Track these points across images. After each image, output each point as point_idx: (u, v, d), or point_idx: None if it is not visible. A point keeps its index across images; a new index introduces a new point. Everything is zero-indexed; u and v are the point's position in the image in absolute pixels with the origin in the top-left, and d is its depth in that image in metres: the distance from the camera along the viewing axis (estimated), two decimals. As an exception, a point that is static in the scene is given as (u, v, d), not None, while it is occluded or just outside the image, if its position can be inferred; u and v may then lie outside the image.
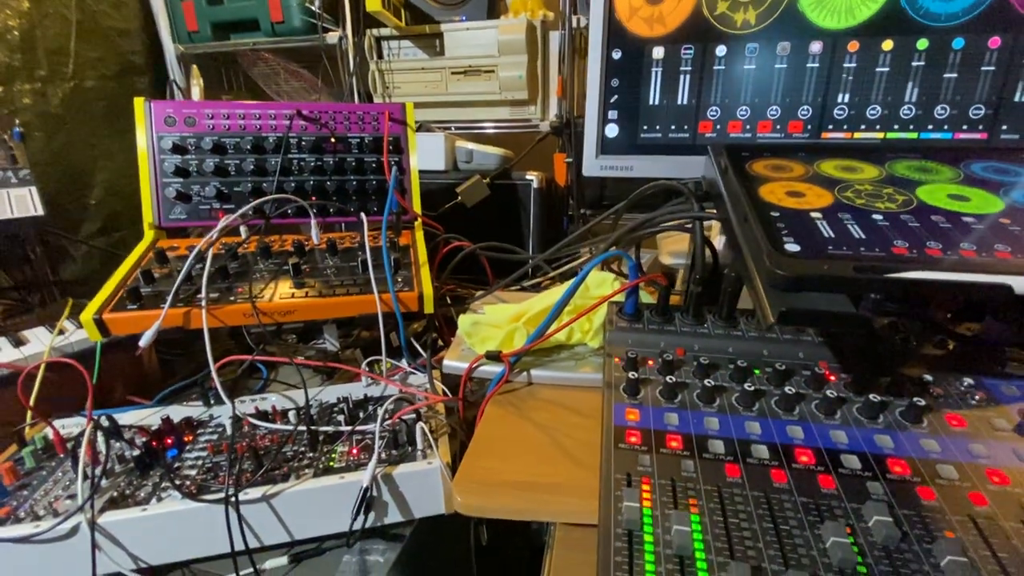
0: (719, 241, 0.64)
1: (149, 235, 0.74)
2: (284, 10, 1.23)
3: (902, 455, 0.37)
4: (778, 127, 0.61)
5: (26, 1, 1.08)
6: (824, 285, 0.33)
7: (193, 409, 0.63)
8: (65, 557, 0.46)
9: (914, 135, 0.58)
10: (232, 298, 0.63)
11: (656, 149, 0.65)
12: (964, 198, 0.40)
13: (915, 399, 0.39)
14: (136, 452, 0.52)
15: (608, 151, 0.66)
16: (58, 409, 0.63)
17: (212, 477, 0.51)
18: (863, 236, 0.35)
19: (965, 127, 0.57)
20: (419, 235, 0.78)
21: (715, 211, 0.51)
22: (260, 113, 0.77)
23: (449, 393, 0.62)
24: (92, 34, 1.21)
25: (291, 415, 0.59)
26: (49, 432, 0.55)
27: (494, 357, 0.57)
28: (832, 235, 0.36)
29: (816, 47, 0.58)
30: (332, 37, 1.24)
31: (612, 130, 0.65)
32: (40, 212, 0.82)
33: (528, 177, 1.08)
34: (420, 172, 0.84)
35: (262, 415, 0.59)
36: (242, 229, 0.74)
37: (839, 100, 0.59)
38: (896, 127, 0.58)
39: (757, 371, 0.45)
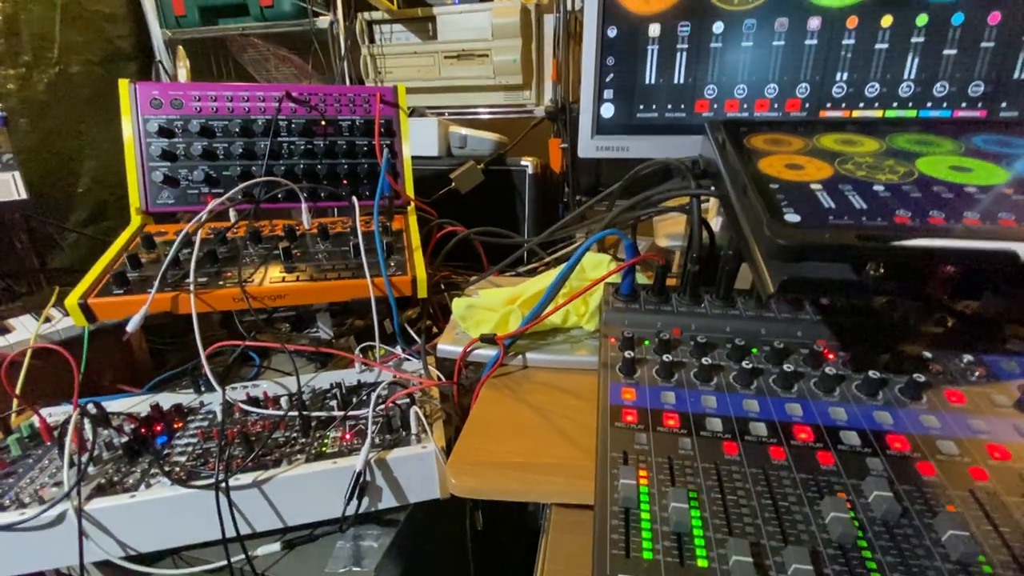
0: (716, 223, 0.63)
1: (136, 220, 0.72)
2: (273, -7, 1.21)
3: (902, 431, 0.36)
4: (776, 105, 0.60)
5: (8, -16, 1.06)
6: (826, 254, 0.32)
7: (184, 396, 0.63)
8: (52, 545, 0.45)
9: (913, 113, 0.57)
10: (221, 282, 0.62)
11: (652, 129, 0.64)
12: (966, 169, 0.39)
13: (914, 376, 0.39)
14: (124, 439, 0.52)
15: (604, 131, 0.65)
16: (46, 397, 0.62)
17: (202, 463, 0.50)
18: (864, 206, 0.34)
19: (964, 104, 0.57)
20: (412, 219, 0.77)
21: (713, 188, 0.50)
22: (248, 95, 0.75)
23: (444, 378, 0.61)
24: (77, 19, 1.19)
25: (283, 401, 0.58)
26: (36, 420, 0.54)
27: (489, 340, 0.57)
28: (833, 205, 0.35)
29: (815, 23, 0.57)
30: (323, 21, 1.22)
31: (608, 110, 0.64)
32: (24, 196, 0.80)
33: (523, 163, 1.07)
34: (413, 158, 0.83)
35: (253, 401, 0.58)
36: (231, 213, 0.73)
37: (837, 78, 0.58)
38: (895, 105, 0.58)
39: (755, 350, 0.44)
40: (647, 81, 0.62)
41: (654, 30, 0.61)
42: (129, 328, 0.57)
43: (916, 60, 0.56)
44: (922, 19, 0.55)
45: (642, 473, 0.34)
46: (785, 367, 0.41)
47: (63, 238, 1.13)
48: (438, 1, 1.22)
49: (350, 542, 0.51)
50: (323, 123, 0.77)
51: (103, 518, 0.45)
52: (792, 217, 0.34)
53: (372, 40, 1.27)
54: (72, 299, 0.57)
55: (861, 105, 0.58)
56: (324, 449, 0.51)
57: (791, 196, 0.36)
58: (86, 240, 1.16)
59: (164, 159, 0.73)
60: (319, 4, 1.21)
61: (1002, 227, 0.31)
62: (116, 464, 0.50)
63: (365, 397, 0.57)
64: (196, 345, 0.59)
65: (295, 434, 0.53)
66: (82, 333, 0.66)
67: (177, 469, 0.49)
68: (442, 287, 0.83)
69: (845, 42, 0.57)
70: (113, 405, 0.60)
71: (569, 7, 1.08)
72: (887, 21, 0.56)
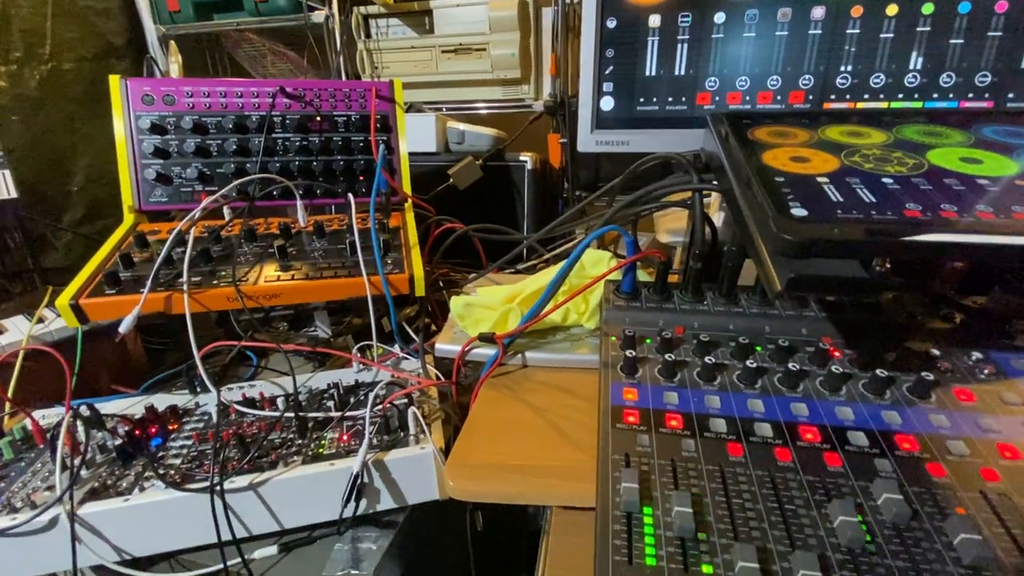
0: (718, 218, 0.62)
1: (129, 219, 0.71)
2: (268, -12, 1.19)
3: (910, 431, 0.35)
4: (779, 97, 0.59)
5: (-3, -21, 1.04)
6: (835, 250, 0.31)
7: (179, 397, 0.62)
8: (45, 550, 0.44)
9: (919, 104, 0.56)
10: (215, 281, 0.61)
11: (653, 123, 0.62)
12: (976, 161, 0.38)
13: (923, 374, 0.38)
14: (118, 441, 0.51)
15: (604, 126, 0.64)
16: (41, 399, 0.61)
17: (197, 466, 0.49)
18: (873, 200, 0.33)
19: (971, 95, 0.55)
20: (409, 216, 0.76)
21: (715, 183, 0.49)
22: (242, 91, 0.74)
23: (442, 377, 0.60)
24: (69, 14, 1.17)
25: (279, 402, 0.58)
26: (28, 422, 0.54)
27: (488, 339, 0.56)
28: (840, 199, 0.34)
29: (818, 12, 0.56)
30: (318, 16, 1.20)
31: (607, 103, 0.63)
32: (14, 195, 0.79)
33: (522, 158, 1.06)
34: (411, 154, 0.81)
35: (249, 402, 0.57)
36: (225, 211, 0.72)
37: (842, 68, 0.57)
38: (900, 96, 0.56)
39: (759, 348, 0.43)
40: (647, 73, 0.61)
41: (654, 21, 0.59)
42: (122, 329, 0.56)
43: (922, 50, 0.55)
44: (928, 7, 0.54)
45: (644, 476, 0.33)
46: (790, 366, 0.40)
47: (57, 237, 1.12)
48: (435, -6, 1.20)
49: (348, 544, 0.50)
50: (318, 119, 0.76)
51: (96, 522, 0.45)
52: (799, 212, 0.33)
53: (368, 35, 1.25)
54: (63, 300, 0.56)
55: (866, 96, 0.57)
56: (321, 450, 0.50)
57: (797, 190, 0.35)
58: (81, 239, 1.15)
59: (157, 156, 0.72)
60: (314, -2, 1.20)
61: (1017, 220, 0.30)
62: (110, 467, 0.50)
63: (363, 397, 0.56)
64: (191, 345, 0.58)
65: (292, 435, 0.52)
66: (75, 334, 0.65)
67: (172, 472, 0.49)
68: (440, 285, 0.82)
69: (850, 32, 0.56)
70: (107, 407, 0.59)
71: (567, 0, 1.07)
72: (892, 10, 0.54)
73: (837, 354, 0.42)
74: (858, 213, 0.32)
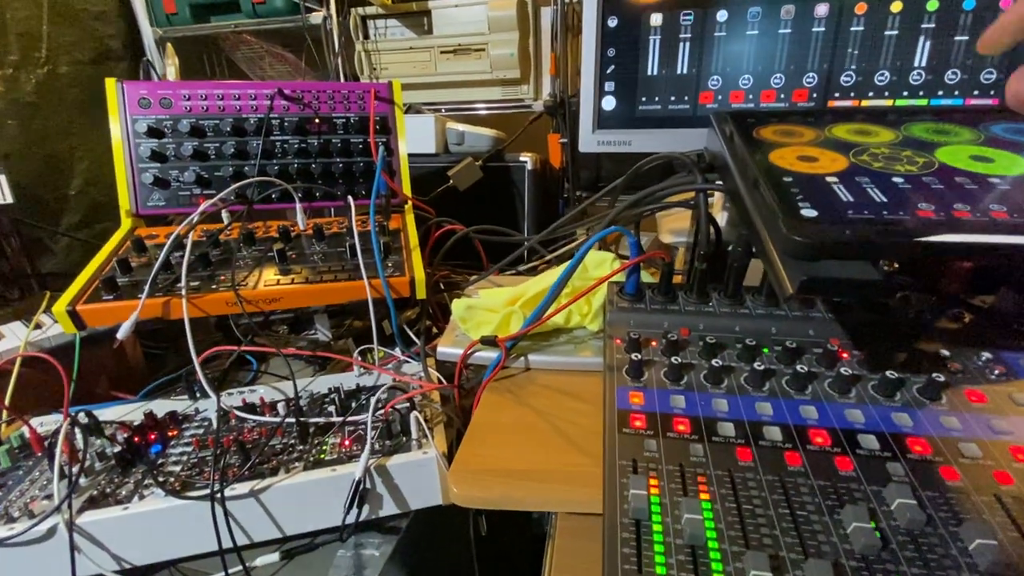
0: (722, 218, 0.61)
1: (126, 223, 0.70)
2: (265, -11, 1.18)
3: (922, 434, 0.35)
4: (782, 96, 0.58)
5: (-8, -18, 1.03)
6: (847, 252, 0.30)
7: (179, 403, 0.61)
8: (43, 560, 0.44)
9: (924, 101, 0.55)
10: (214, 286, 0.60)
11: (655, 122, 0.62)
12: (988, 159, 0.37)
13: (933, 375, 0.37)
14: (117, 449, 0.50)
15: (605, 125, 0.64)
16: (40, 406, 0.60)
17: (197, 473, 0.49)
18: (884, 199, 0.33)
19: (976, 92, 0.55)
20: (410, 219, 0.76)
21: (720, 183, 0.48)
22: (239, 93, 0.74)
23: (444, 381, 0.60)
24: (65, 17, 1.16)
25: (280, 407, 0.57)
26: (26, 430, 0.53)
27: (490, 342, 0.55)
28: (851, 199, 0.33)
29: (822, 9, 0.55)
30: (316, 17, 1.20)
31: (609, 103, 0.63)
32: (10, 199, 0.78)
33: (522, 159, 1.05)
34: (410, 156, 0.81)
35: (249, 408, 0.56)
36: (224, 215, 0.71)
37: (846, 66, 0.56)
38: (905, 93, 0.56)
39: (766, 350, 0.43)
40: (649, 72, 0.61)
41: (656, 19, 0.59)
42: (119, 335, 0.56)
43: (927, 47, 0.55)
44: (933, 4, 0.53)
45: (652, 482, 0.32)
46: (798, 367, 0.39)
47: (55, 242, 1.12)
48: (433, -5, 1.20)
49: (351, 551, 0.49)
50: (317, 121, 0.76)
51: (95, 531, 0.44)
52: (809, 212, 0.32)
53: (366, 36, 1.25)
54: (60, 306, 0.56)
55: (871, 94, 0.56)
56: (323, 456, 0.50)
57: (806, 190, 0.34)
58: (80, 244, 1.15)
59: (154, 160, 0.71)
60: (312, 0, 1.19)
61: (1031, 220, 0.30)
62: (109, 475, 0.49)
63: (364, 402, 0.56)
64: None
65: (293, 441, 0.52)
66: (73, 340, 0.65)
67: (171, 479, 0.48)
68: (441, 287, 0.82)
69: (854, 29, 0.55)
70: (106, 413, 0.58)
71: (566, -1, 1.06)
72: (897, 7, 0.54)
73: (845, 355, 0.41)
74: (869, 213, 0.32)
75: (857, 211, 0.32)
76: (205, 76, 1.45)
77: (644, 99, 0.61)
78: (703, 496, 0.31)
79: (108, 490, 0.47)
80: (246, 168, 0.73)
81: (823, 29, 0.56)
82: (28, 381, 0.60)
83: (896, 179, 0.35)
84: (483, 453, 0.45)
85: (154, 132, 0.71)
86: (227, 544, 0.45)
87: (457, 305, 0.61)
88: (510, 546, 0.66)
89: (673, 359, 0.41)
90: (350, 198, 0.73)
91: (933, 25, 0.54)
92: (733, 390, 0.39)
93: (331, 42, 1.21)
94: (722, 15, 0.57)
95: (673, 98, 0.61)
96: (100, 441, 0.52)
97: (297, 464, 0.48)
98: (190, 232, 0.64)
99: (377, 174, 0.73)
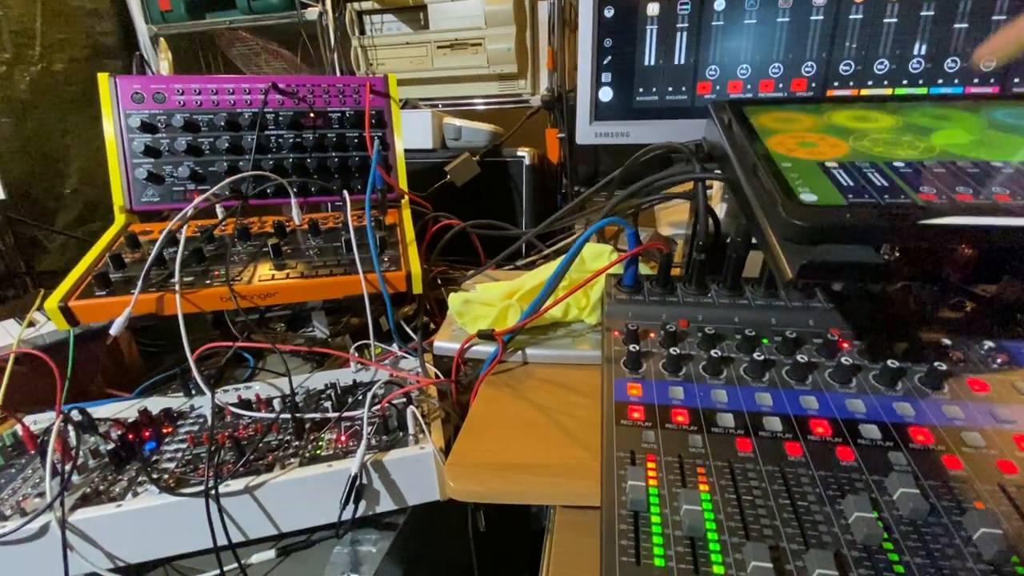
0: (720, 209, 0.61)
1: (120, 219, 0.70)
2: (260, -15, 1.18)
3: (924, 423, 0.34)
4: (781, 85, 0.57)
5: (-15, -21, 1.03)
6: (847, 236, 0.30)
7: (174, 400, 0.61)
8: (36, 558, 0.43)
9: (924, 90, 0.55)
10: (208, 281, 0.59)
11: (653, 113, 0.61)
12: (989, 144, 0.37)
13: (935, 364, 0.37)
14: (111, 446, 0.50)
15: (602, 117, 0.63)
16: (33, 404, 0.59)
17: (192, 470, 0.48)
18: (885, 184, 0.32)
19: (976, 81, 0.54)
20: (406, 213, 0.75)
21: (719, 171, 0.48)
22: (233, 88, 0.73)
23: (441, 376, 0.59)
24: (59, 14, 1.16)
25: (276, 403, 0.56)
26: (19, 428, 0.52)
27: (487, 336, 0.55)
28: (851, 183, 0.33)
29: (820, -2, 0.55)
30: (311, 13, 1.19)
31: (606, 94, 0.62)
32: (2, 196, 0.77)
33: (520, 153, 1.05)
34: (407, 151, 0.80)
35: (245, 404, 0.56)
36: (218, 210, 0.71)
37: (845, 55, 0.56)
38: (905, 82, 0.55)
39: (766, 340, 0.42)
40: (646, 63, 0.60)
41: (653, 9, 0.58)
42: (112, 331, 0.55)
43: (926, 35, 0.54)
44: (932, -9, 0.52)
45: (651, 473, 0.32)
46: (798, 358, 0.39)
47: (50, 239, 1.11)
48: (429, -11, 1.19)
49: (348, 547, 0.49)
50: (312, 115, 0.75)
51: (89, 529, 0.43)
52: (808, 196, 0.32)
53: (362, 31, 1.24)
54: (52, 302, 0.55)
55: (870, 83, 0.56)
56: (319, 452, 0.49)
57: (806, 175, 0.34)
58: (75, 241, 1.14)
59: (147, 155, 0.70)
60: (307, -5, 1.19)
61: (1035, 203, 0.29)
62: (102, 472, 0.48)
63: (360, 397, 0.55)
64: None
65: (288, 437, 0.51)
66: (67, 337, 0.64)
67: (166, 476, 0.47)
68: (438, 282, 0.81)
69: (852, 17, 0.55)
70: (100, 411, 0.58)
71: (563, -7, 1.06)
72: (896, -6, 0.53)
73: (846, 345, 0.41)
74: (870, 197, 0.31)
75: (857, 195, 0.31)
76: (201, 73, 1.44)
77: (641, 90, 0.61)
78: (702, 487, 0.31)
79: (101, 487, 0.46)
80: (240, 163, 0.73)
81: (821, 18, 0.55)
82: (20, 379, 0.60)
83: (897, 163, 0.34)
84: (480, 447, 0.45)
85: (147, 127, 0.70)
86: (222, 541, 0.45)
87: (454, 299, 0.61)
88: (508, 542, 0.65)
89: (672, 350, 0.40)
90: (346, 193, 0.72)
91: (932, 13, 0.53)
92: (732, 381, 0.39)
93: (327, 38, 1.20)
94: (719, 4, 0.57)
95: (671, 89, 0.60)
96: (94, 438, 0.52)
97: (293, 460, 0.48)
98: (183, 227, 0.64)
99: (372, 168, 0.72)
